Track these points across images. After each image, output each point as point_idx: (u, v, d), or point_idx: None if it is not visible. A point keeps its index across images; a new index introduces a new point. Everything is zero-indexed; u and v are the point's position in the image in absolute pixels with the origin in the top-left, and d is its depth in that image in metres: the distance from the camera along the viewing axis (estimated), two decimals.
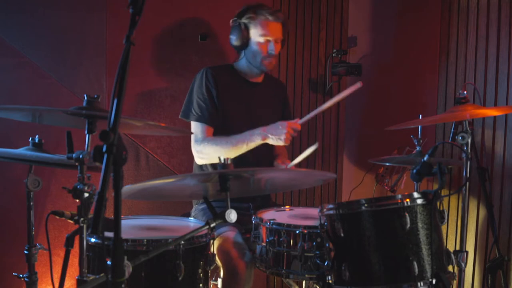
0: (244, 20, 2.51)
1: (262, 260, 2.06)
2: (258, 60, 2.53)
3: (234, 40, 2.53)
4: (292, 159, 2.48)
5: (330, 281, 1.78)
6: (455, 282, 2.12)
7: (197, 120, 2.49)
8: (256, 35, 2.50)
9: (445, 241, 3.06)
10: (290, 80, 3.26)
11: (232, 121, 2.53)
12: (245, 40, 2.51)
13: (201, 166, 2.57)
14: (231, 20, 2.57)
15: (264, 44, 2.50)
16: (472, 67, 3.01)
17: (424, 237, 1.69)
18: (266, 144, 2.46)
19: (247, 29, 2.51)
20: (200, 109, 2.49)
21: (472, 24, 3.02)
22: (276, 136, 2.36)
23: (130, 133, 2.86)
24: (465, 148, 2.13)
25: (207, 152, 2.45)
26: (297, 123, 2.39)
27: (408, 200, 1.70)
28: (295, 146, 3.26)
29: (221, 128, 2.51)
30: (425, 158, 1.80)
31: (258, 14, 2.50)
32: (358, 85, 2.40)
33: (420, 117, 2.46)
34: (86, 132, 1.61)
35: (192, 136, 2.50)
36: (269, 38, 2.50)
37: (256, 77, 2.63)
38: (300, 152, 2.42)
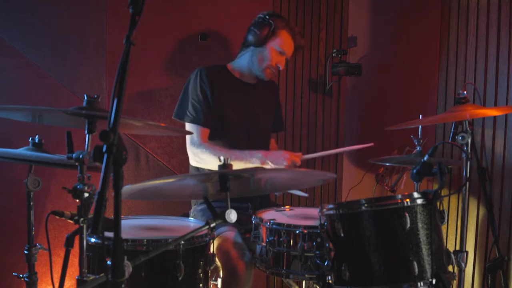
0: (274, 23, 2.49)
1: (262, 260, 2.06)
2: (262, 66, 2.52)
3: (255, 33, 2.48)
4: None
5: (330, 281, 1.78)
6: (455, 282, 2.12)
7: (192, 121, 2.48)
8: (275, 42, 2.49)
9: (445, 241, 3.06)
10: (290, 80, 3.26)
11: (231, 120, 2.53)
12: (264, 40, 2.48)
13: (198, 168, 2.56)
14: (260, 15, 2.52)
15: (278, 55, 2.50)
16: (472, 67, 3.01)
17: (424, 237, 1.69)
18: (263, 141, 2.45)
19: (273, 32, 2.48)
20: (195, 110, 2.48)
21: (472, 24, 3.02)
22: (275, 165, 2.36)
23: (130, 133, 2.86)
24: (465, 148, 2.12)
25: (203, 158, 2.44)
26: (300, 157, 2.39)
27: (408, 200, 1.70)
28: (294, 146, 3.26)
29: (220, 128, 2.51)
30: (425, 158, 1.80)
31: (287, 27, 2.51)
32: (370, 144, 2.42)
33: (420, 117, 2.46)
34: (86, 132, 1.61)
35: (188, 137, 2.50)
36: (284, 52, 2.51)
37: (251, 78, 2.62)
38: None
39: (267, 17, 2.50)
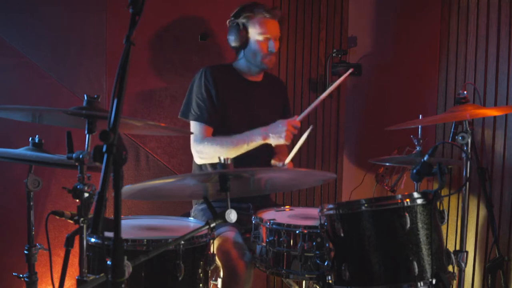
0: (241, 20, 2.50)
1: (262, 260, 2.06)
2: (258, 59, 2.52)
3: (233, 40, 2.53)
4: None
5: (330, 281, 1.78)
6: (455, 282, 2.12)
7: (196, 119, 2.49)
8: (255, 33, 2.50)
9: (445, 241, 3.06)
10: (290, 80, 3.26)
11: (232, 120, 2.53)
12: (244, 40, 2.50)
13: (200, 166, 2.57)
14: (228, 21, 2.56)
15: (263, 42, 2.50)
16: (472, 67, 3.01)
17: (424, 237, 1.69)
18: (265, 143, 2.45)
19: (245, 28, 2.50)
20: (199, 108, 2.48)
21: (472, 24, 3.02)
22: (276, 135, 2.36)
23: (130, 133, 2.86)
24: (465, 148, 2.12)
25: (207, 152, 2.45)
26: (296, 119, 2.39)
27: (408, 200, 1.70)
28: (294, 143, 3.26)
29: (221, 128, 2.51)
30: (425, 158, 1.80)
31: (255, 12, 2.49)
32: (349, 71, 2.43)
33: (420, 117, 2.46)
34: (86, 132, 1.61)
35: (192, 136, 2.50)
36: (268, 36, 2.50)
37: (255, 76, 2.62)
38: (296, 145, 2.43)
39: (232, 18, 2.53)
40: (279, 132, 2.35)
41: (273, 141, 2.38)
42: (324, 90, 3.28)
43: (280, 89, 2.81)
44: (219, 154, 2.24)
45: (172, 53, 2.97)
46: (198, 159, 2.53)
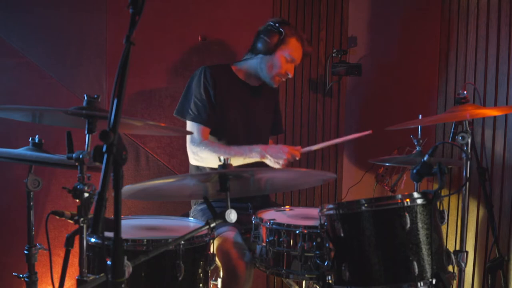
0: (284, 30, 2.48)
1: (262, 260, 2.06)
2: (272, 73, 2.51)
3: (264, 41, 2.47)
4: None
5: (330, 281, 1.78)
6: (455, 282, 2.12)
7: (194, 120, 2.48)
8: (285, 50, 2.48)
9: (445, 241, 3.06)
10: (290, 80, 3.25)
11: (229, 121, 2.53)
12: (274, 48, 2.47)
13: (197, 166, 2.56)
14: (269, 23, 2.51)
15: (287, 63, 2.50)
16: (472, 67, 3.01)
17: (424, 237, 1.69)
18: (262, 142, 2.45)
19: (282, 40, 2.48)
20: (197, 108, 2.48)
21: (472, 24, 3.02)
22: (274, 159, 2.36)
23: (130, 133, 2.86)
24: (465, 148, 2.12)
25: (203, 157, 2.45)
26: (299, 151, 2.40)
27: (408, 200, 1.70)
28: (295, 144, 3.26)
29: (218, 128, 2.51)
30: (425, 158, 1.80)
31: (296, 35, 2.51)
32: (368, 132, 2.43)
33: (420, 117, 2.46)
34: (86, 132, 1.61)
35: (188, 136, 2.50)
36: (294, 59, 2.51)
37: (255, 81, 2.62)
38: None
39: (277, 24, 2.49)
40: (278, 157, 2.35)
41: (269, 162, 2.39)
42: (324, 90, 3.31)
43: (274, 93, 2.79)
44: (215, 161, 2.25)
45: (172, 53, 2.97)
46: (193, 160, 2.52)
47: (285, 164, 2.37)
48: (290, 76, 2.54)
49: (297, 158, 2.39)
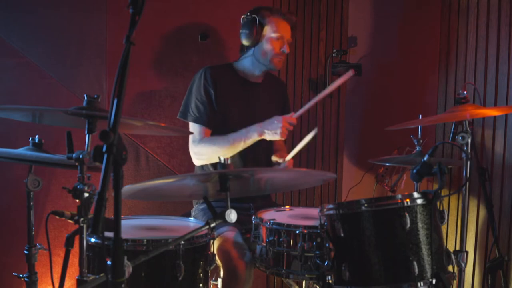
0: (258, 16, 2.49)
1: (262, 260, 2.06)
2: (268, 58, 2.51)
3: (246, 35, 2.49)
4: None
5: (330, 281, 1.78)
6: (455, 282, 2.12)
7: (195, 121, 2.48)
8: (270, 32, 2.48)
9: (445, 241, 3.06)
10: (290, 80, 3.26)
11: (232, 121, 2.53)
12: (258, 37, 2.48)
13: (202, 166, 2.57)
14: (242, 17, 2.54)
15: (277, 42, 2.49)
16: (472, 67, 3.01)
17: (424, 237, 1.69)
18: (264, 141, 2.46)
19: (261, 25, 2.48)
20: (198, 110, 2.48)
21: (472, 24, 3.02)
22: (272, 131, 2.36)
23: (130, 133, 2.86)
24: (465, 148, 2.12)
25: (204, 153, 2.45)
26: (292, 116, 2.39)
27: (408, 200, 1.70)
28: (294, 141, 3.26)
29: (222, 129, 2.51)
30: (425, 158, 1.81)
31: (273, 12, 2.51)
32: (350, 73, 2.43)
33: (420, 117, 2.46)
34: (86, 132, 1.61)
35: (190, 137, 2.50)
36: (283, 36, 2.50)
37: (257, 77, 2.62)
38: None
39: (249, 14, 2.52)
40: (275, 128, 2.35)
41: (269, 137, 2.39)
42: (324, 89, 3.31)
43: (280, 88, 2.80)
44: (217, 153, 2.24)
45: (172, 53, 2.97)
46: (196, 161, 2.53)
47: (285, 133, 2.36)
48: (287, 51, 2.51)
49: (294, 123, 2.39)
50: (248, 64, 2.57)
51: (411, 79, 3.41)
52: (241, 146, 2.41)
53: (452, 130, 2.17)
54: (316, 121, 3.32)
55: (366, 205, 1.72)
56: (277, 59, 2.52)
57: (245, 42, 2.52)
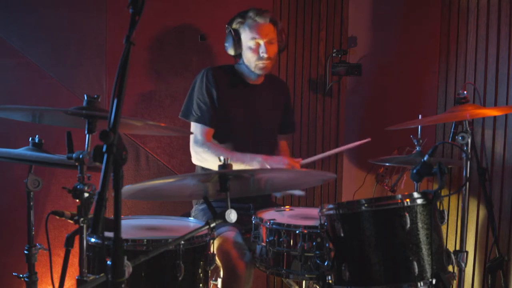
0: (234, 26, 2.50)
1: (262, 260, 2.06)
2: (252, 65, 2.51)
3: (228, 48, 2.54)
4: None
5: (330, 281, 1.78)
6: (455, 282, 2.12)
7: (197, 121, 2.49)
8: (246, 39, 2.48)
9: (445, 241, 3.06)
10: (290, 80, 3.26)
11: (233, 122, 2.53)
12: (238, 46, 2.50)
13: (202, 167, 2.57)
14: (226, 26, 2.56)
15: (255, 48, 2.48)
16: (472, 67, 3.01)
17: (424, 237, 1.69)
18: (268, 145, 2.45)
19: (238, 35, 2.49)
20: (200, 110, 2.48)
21: (472, 24, 3.02)
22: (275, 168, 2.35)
23: (130, 133, 2.86)
24: (465, 148, 2.12)
25: (205, 158, 2.45)
26: (299, 162, 2.39)
27: (408, 200, 1.70)
28: (294, 147, 3.26)
29: (224, 129, 2.51)
30: (425, 158, 1.81)
31: (245, 18, 2.48)
32: (367, 140, 2.42)
33: (420, 117, 2.46)
34: (86, 132, 1.61)
35: (192, 136, 2.50)
36: (259, 40, 2.47)
37: (256, 79, 2.61)
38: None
39: (227, 25, 2.53)
40: (279, 167, 2.34)
41: None
42: (324, 90, 3.31)
43: (282, 89, 2.79)
44: (216, 163, 2.24)
45: (172, 53, 2.97)
46: (195, 160, 2.53)
47: None
48: (267, 55, 2.47)
49: (298, 169, 2.37)
50: (243, 69, 2.58)
51: (411, 79, 3.41)
52: (241, 167, 2.40)
53: (452, 130, 2.17)
54: (316, 121, 3.32)
55: (366, 205, 1.72)
56: (260, 65, 2.50)
57: (231, 53, 2.55)
